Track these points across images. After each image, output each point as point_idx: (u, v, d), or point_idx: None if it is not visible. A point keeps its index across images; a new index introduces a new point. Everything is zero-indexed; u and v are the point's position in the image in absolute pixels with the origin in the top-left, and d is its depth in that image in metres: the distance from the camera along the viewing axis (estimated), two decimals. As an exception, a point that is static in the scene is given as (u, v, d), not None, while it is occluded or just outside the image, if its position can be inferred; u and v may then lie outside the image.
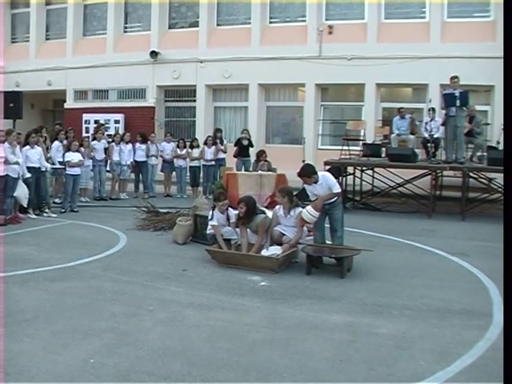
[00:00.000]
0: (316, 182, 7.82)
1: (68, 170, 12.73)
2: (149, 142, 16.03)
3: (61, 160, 13.09)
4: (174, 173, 16.47)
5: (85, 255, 8.26)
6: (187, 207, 10.69)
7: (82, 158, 13.14)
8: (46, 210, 12.02)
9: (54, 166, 12.82)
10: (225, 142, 16.48)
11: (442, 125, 13.61)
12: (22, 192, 11.12)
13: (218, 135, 16.19)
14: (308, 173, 7.84)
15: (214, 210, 8.49)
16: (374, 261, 7.95)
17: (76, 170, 12.85)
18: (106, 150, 15.11)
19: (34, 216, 11.70)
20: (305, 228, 8.15)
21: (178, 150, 16.19)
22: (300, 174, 7.91)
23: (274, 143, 19.83)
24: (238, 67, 19.43)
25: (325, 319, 5.62)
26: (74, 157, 12.80)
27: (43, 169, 11.90)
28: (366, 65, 17.56)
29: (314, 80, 18.80)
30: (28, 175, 11.36)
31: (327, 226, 8.20)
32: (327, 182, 7.82)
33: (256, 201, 8.49)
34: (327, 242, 8.18)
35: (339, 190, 8.04)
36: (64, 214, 12.27)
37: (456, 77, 12.90)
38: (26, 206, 11.40)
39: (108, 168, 15.26)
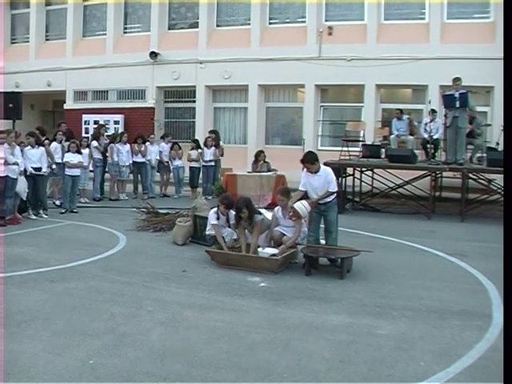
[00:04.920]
0: (317, 172, 7.86)
1: (67, 171, 12.70)
2: (147, 143, 16.03)
3: (59, 161, 13.07)
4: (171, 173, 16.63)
5: (84, 256, 8.26)
6: (187, 208, 10.68)
7: (81, 160, 13.11)
8: (40, 211, 11.95)
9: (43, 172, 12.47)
10: (221, 143, 16.56)
11: (448, 126, 13.42)
12: (21, 186, 11.14)
13: (212, 136, 16.24)
14: (311, 160, 7.89)
15: (217, 210, 8.48)
16: (373, 262, 7.95)
17: (75, 171, 12.82)
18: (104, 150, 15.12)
19: (34, 217, 11.70)
20: (305, 228, 8.16)
21: (173, 151, 16.21)
22: (303, 161, 7.94)
23: (273, 144, 19.82)
24: (238, 68, 19.44)
25: (324, 320, 5.62)
26: (72, 158, 12.79)
27: (44, 169, 11.87)
28: (365, 66, 17.56)
29: (314, 81, 18.80)
30: (30, 169, 11.44)
31: (321, 226, 8.20)
32: (327, 176, 7.85)
33: (251, 200, 8.50)
34: (322, 241, 8.20)
35: (336, 189, 8.04)
36: (63, 214, 12.26)
37: (458, 78, 12.88)
38: (25, 199, 11.40)
39: (107, 169, 15.24)
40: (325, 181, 7.83)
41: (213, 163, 15.87)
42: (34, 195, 11.78)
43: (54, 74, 22.17)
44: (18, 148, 11.18)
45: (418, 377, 4.32)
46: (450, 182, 14.76)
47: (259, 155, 14.87)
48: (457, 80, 12.91)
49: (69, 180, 12.66)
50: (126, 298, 6.25)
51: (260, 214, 8.27)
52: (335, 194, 8.09)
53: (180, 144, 16.64)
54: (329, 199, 7.96)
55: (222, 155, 16.23)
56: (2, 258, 7.82)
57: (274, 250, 7.78)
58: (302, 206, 7.71)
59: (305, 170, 8.03)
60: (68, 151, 12.87)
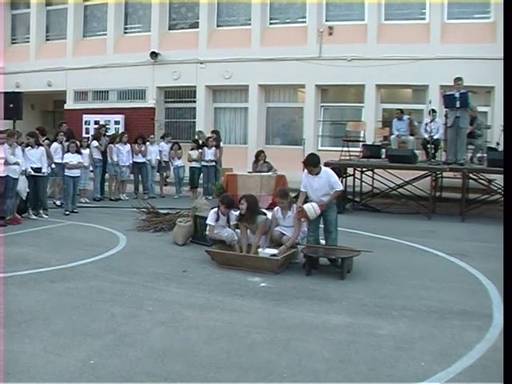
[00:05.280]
0: (317, 174, 7.87)
1: (66, 172, 12.64)
2: (147, 143, 16.03)
3: (59, 161, 13.03)
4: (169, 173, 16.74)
5: (85, 256, 8.27)
6: (187, 208, 10.68)
7: (81, 160, 13.05)
8: (40, 211, 11.92)
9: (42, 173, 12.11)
10: (221, 144, 16.58)
11: (449, 126, 13.35)
12: (22, 185, 11.14)
13: (213, 136, 16.26)
14: (314, 162, 7.90)
15: (217, 210, 8.47)
16: (373, 262, 7.95)
17: (75, 172, 12.73)
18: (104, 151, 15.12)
19: (34, 217, 11.69)
20: (305, 228, 8.16)
21: (172, 151, 16.26)
22: (305, 163, 7.96)
23: (273, 144, 19.81)
24: (238, 68, 19.44)
25: (325, 320, 5.62)
26: (72, 158, 12.73)
27: (44, 170, 11.84)
28: (366, 66, 17.56)
29: (314, 81, 18.80)
30: (29, 170, 11.42)
31: (321, 226, 8.21)
32: (328, 178, 7.85)
33: (257, 200, 8.50)
34: (321, 241, 8.20)
35: (341, 188, 8.05)
36: (67, 215, 12.18)
37: (460, 78, 12.88)
38: (25, 198, 11.38)
39: (107, 169, 15.22)
40: (326, 182, 7.83)
41: (213, 163, 15.88)
42: (34, 195, 11.76)
43: (54, 74, 22.16)
44: (19, 148, 11.18)
45: (419, 377, 4.32)
46: (450, 182, 14.76)
47: (259, 155, 14.87)
48: (458, 80, 12.90)
49: (69, 181, 12.61)
50: (127, 298, 6.25)
51: (264, 214, 8.27)
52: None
53: (180, 144, 16.64)
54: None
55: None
56: (2, 258, 7.82)
57: (274, 251, 7.78)
58: (311, 209, 7.72)
59: (305, 171, 8.03)
60: (67, 151, 12.84)
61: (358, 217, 12.86)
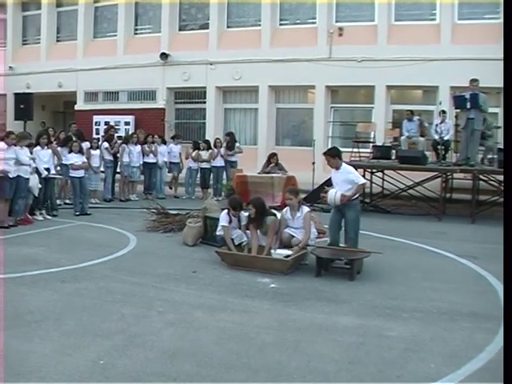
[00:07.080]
0: (338, 169, 7.99)
1: (72, 173, 12.62)
2: (155, 144, 16.03)
3: (65, 163, 12.98)
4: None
5: (95, 256, 8.29)
6: (197, 209, 10.70)
7: (85, 160, 13.01)
8: (42, 211, 11.82)
9: (52, 175, 12.14)
10: (237, 144, 16.54)
11: (463, 128, 13.25)
12: (33, 182, 11.17)
13: (226, 138, 16.29)
14: (331, 153, 8.06)
15: (228, 212, 8.47)
16: (383, 263, 7.93)
17: (80, 173, 12.65)
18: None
19: (45, 217, 11.71)
20: (314, 229, 8.17)
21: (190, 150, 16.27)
22: (325, 153, 8.14)
23: (283, 145, 19.79)
24: (248, 69, 19.43)
25: (335, 321, 5.62)
26: (76, 159, 12.67)
27: (52, 171, 11.88)
28: (376, 67, 17.49)
29: (324, 82, 18.75)
30: (45, 173, 11.52)
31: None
32: (347, 174, 7.93)
33: (264, 201, 8.50)
34: (340, 244, 8.18)
35: (362, 181, 8.10)
36: (78, 216, 12.15)
37: (476, 80, 12.81)
38: (37, 195, 11.41)
39: (118, 169, 15.26)
40: (345, 178, 7.91)
41: (223, 164, 15.90)
42: (43, 195, 11.78)
43: (64, 75, 22.25)
44: (26, 149, 11.18)
45: (429, 378, 4.31)
46: (460, 184, 14.68)
47: (272, 157, 14.82)
48: (474, 81, 12.84)
49: (76, 182, 12.56)
50: (137, 299, 6.27)
51: (274, 215, 8.26)
52: (356, 195, 8.07)
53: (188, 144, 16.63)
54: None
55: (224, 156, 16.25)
56: (10, 259, 7.87)
57: (287, 251, 7.77)
58: (332, 194, 7.87)
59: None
60: (71, 151, 12.81)
61: (367, 218, 12.76)
